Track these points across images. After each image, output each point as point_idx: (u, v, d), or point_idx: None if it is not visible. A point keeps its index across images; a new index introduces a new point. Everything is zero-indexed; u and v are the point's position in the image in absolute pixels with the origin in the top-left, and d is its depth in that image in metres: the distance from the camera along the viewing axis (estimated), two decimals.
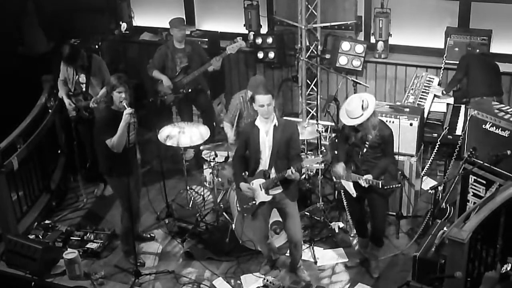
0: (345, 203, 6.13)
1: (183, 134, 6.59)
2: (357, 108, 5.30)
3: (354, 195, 5.55)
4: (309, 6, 7.57)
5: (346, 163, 5.57)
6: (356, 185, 5.51)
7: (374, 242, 5.89)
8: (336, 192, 6.77)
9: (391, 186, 5.46)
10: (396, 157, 6.19)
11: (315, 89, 8.01)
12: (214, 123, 7.97)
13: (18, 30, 8.53)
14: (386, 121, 5.94)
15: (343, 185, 5.60)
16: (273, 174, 5.48)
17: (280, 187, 5.51)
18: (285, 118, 5.76)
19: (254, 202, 5.58)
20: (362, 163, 5.49)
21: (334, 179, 5.74)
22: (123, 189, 5.69)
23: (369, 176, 5.40)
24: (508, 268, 4.00)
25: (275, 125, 5.42)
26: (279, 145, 5.41)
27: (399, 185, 5.50)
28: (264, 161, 5.51)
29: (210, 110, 7.85)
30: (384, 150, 5.46)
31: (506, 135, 5.56)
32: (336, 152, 5.94)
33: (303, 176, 6.82)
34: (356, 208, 5.83)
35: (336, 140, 7.10)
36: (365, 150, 5.45)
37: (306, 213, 6.67)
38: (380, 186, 5.37)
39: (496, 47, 7.43)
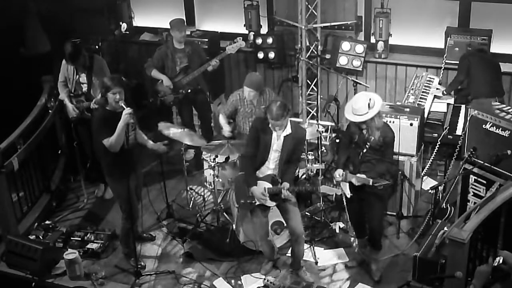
0: (345, 203, 6.13)
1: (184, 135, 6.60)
2: (363, 106, 5.29)
3: (349, 196, 5.55)
4: (309, 6, 7.58)
5: (344, 164, 5.58)
6: (354, 186, 5.51)
7: (372, 245, 5.88)
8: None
9: (381, 184, 5.38)
10: (396, 157, 6.20)
11: (315, 89, 8.01)
12: (212, 125, 7.97)
13: (19, 31, 8.53)
14: (386, 121, 5.94)
15: (340, 186, 5.61)
16: (280, 179, 5.53)
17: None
18: (294, 120, 5.71)
19: (254, 201, 5.59)
20: (361, 164, 5.49)
21: (335, 179, 5.73)
22: (123, 190, 5.69)
23: (361, 175, 5.40)
24: (500, 262, 4.01)
25: (288, 134, 5.45)
26: (288, 152, 5.47)
27: (388, 182, 5.47)
28: (268, 162, 5.55)
29: (207, 112, 7.84)
30: (384, 152, 5.46)
31: (507, 135, 5.56)
32: (336, 154, 5.95)
33: (303, 176, 6.84)
34: (354, 208, 5.82)
35: (338, 141, 7.11)
36: (365, 150, 5.44)
37: (307, 213, 6.68)
38: (371, 184, 5.35)
39: (496, 47, 7.43)
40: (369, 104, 5.28)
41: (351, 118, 5.39)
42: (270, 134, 5.47)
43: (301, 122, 6.99)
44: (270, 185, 5.54)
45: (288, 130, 5.44)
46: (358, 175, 5.41)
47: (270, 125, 5.44)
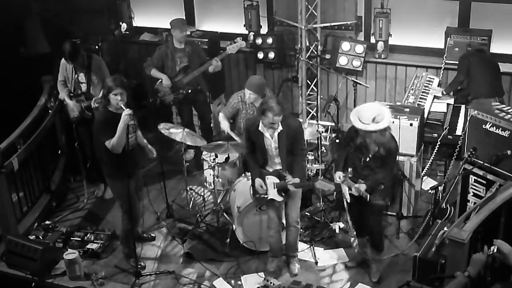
0: (345, 203, 6.12)
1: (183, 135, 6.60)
2: (369, 116, 5.24)
3: (348, 200, 5.56)
4: (309, 6, 7.58)
5: (344, 167, 5.58)
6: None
7: (374, 247, 5.89)
8: (336, 193, 6.77)
9: (377, 203, 5.44)
10: (396, 157, 6.19)
11: (315, 90, 8.01)
12: (212, 125, 7.97)
13: (19, 31, 8.54)
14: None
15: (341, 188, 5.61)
16: (288, 176, 5.56)
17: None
18: (289, 116, 5.77)
19: (266, 196, 5.66)
20: (363, 169, 5.49)
21: (335, 181, 5.72)
22: (124, 191, 5.68)
23: (361, 186, 5.40)
24: (495, 250, 4.04)
25: (280, 131, 5.51)
26: (286, 146, 5.54)
27: (383, 202, 5.51)
28: (272, 157, 5.64)
29: (207, 112, 7.83)
30: (384, 161, 5.44)
31: (506, 135, 5.55)
32: (335, 155, 5.95)
33: None
34: (355, 208, 5.81)
35: (338, 141, 7.11)
36: (368, 159, 5.45)
37: (307, 213, 6.67)
38: (368, 200, 5.39)
39: (496, 47, 7.43)
40: (374, 118, 5.23)
41: (352, 119, 5.38)
42: (263, 138, 5.56)
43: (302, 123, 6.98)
44: (278, 181, 5.62)
45: (279, 128, 5.52)
46: (357, 185, 5.41)
47: (261, 126, 5.52)
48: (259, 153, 5.68)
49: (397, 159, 5.59)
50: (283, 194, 5.67)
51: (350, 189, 5.48)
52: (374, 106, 5.39)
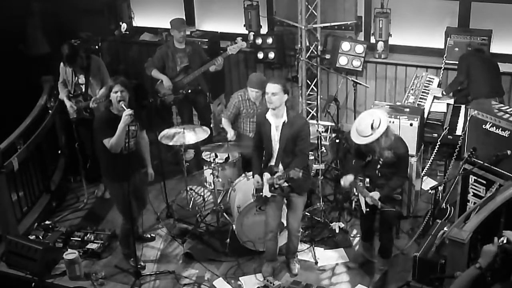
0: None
1: (182, 134, 6.59)
2: (367, 126, 5.25)
3: (364, 211, 5.56)
4: (309, 6, 7.57)
5: (359, 176, 5.57)
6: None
7: (381, 254, 5.90)
8: (337, 193, 6.78)
9: (387, 209, 5.47)
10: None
11: (315, 89, 8.01)
12: (212, 125, 7.97)
13: (20, 31, 8.54)
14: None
15: (359, 199, 5.59)
16: (280, 171, 5.52)
17: (285, 183, 5.54)
18: (298, 113, 5.75)
19: (261, 194, 5.63)
20: (378, 179, 5.49)
21: (343, 185, 5.69)
22: (119, 192, 5.68)
23: (375, 195, 5.40)
24: (505, 241, 4.05)
25: (284, 122, 5.45)
26: (286, 141, 5.45)
27: (394, 209, 5.52)
28: (275, 150, 5.58)
29: (207, 112, 7.83)
30: (397, 167, 5.45)
31: (506, 135, 5.55)
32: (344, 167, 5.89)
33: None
34: (367, 215, 5.80)
35: (337, 141, 7.10)
36: (379, 166, 5.45)
37: (307, 213, 6.67)
38: (379, 207, 5.42)
39: (496, 47, 7.43)
40: (372, 125, 5.23)
41: (356, 140, 5.37)
42: (269, 128, 5.52)
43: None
44: (269, 176, 5.56)
45: (284, 117, 5.46)
46: (372, 194, 5.42)
47: (268, 114, 5.50)
48: (266, 146, 5.62)
49: (409, 163, 5.57)
50: (274, 191, 5.59)
51: (365, 199, 5.49)
52: (366, 115, 5.38)
